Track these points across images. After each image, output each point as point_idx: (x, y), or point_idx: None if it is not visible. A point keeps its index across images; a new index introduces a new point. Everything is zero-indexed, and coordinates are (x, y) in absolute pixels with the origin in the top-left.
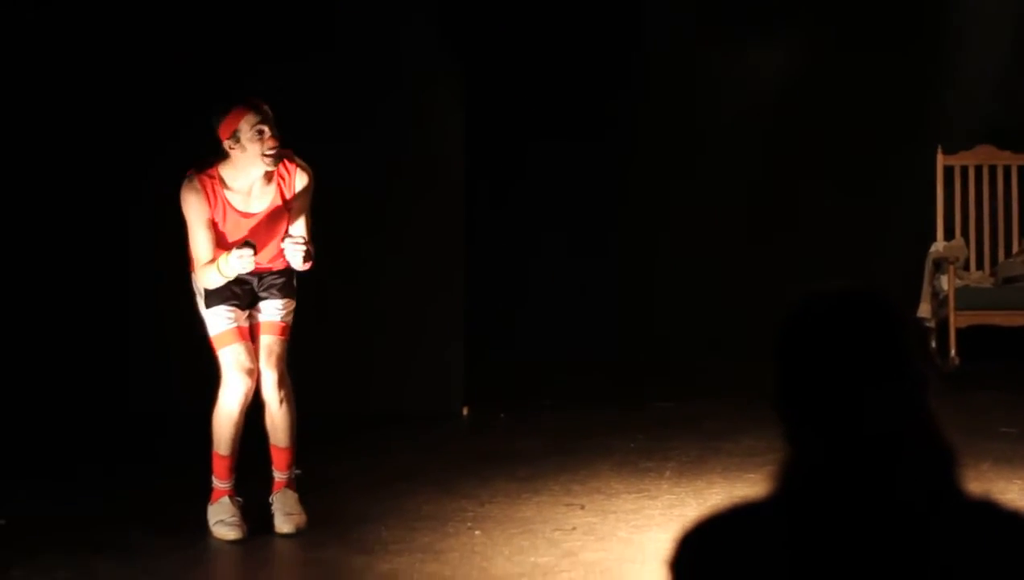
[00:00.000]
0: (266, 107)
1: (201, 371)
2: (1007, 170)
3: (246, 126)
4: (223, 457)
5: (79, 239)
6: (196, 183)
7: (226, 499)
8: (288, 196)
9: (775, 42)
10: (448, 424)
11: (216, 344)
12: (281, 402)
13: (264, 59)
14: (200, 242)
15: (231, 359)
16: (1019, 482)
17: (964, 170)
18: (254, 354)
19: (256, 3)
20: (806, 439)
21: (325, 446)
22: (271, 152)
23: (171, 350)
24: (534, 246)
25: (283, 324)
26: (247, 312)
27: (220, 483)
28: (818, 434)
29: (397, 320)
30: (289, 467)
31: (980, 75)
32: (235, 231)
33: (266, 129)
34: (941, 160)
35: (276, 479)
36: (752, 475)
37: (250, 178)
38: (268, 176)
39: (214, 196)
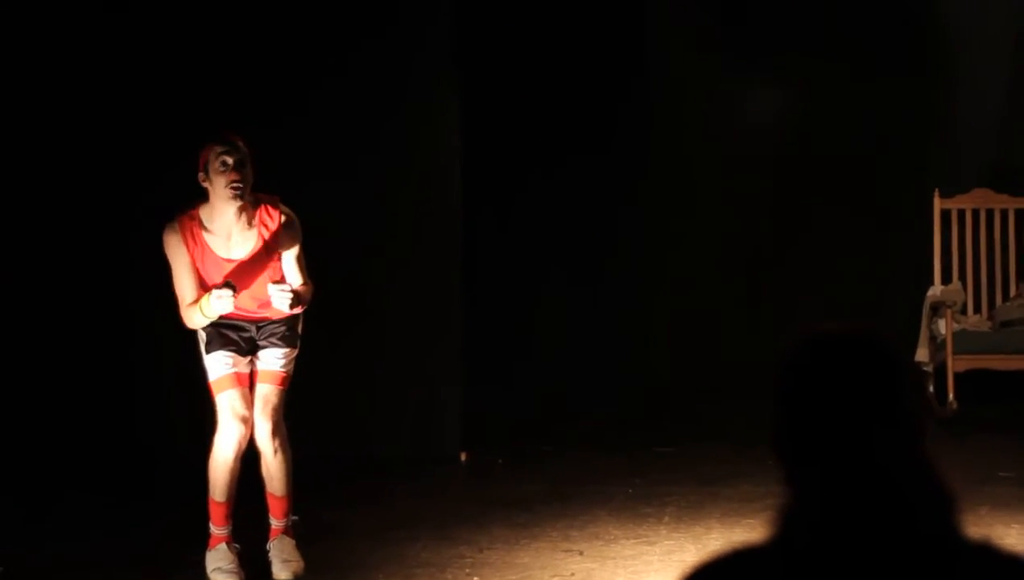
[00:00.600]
0: (240, 142)
1: (201, 408)
2: (1004, 214)
3: (212, 156)
4: (219, 503)
5: (82, 271)
6: (176, 225)
7: (223, 546)
8: (271, 242)
9: (773, 86)
10: (446, 469)
11: (214, 389)
12: (276, 451)
13: (262, 91)
14: (183, 283)
15: (226, 405)
16: (1017, 526)
17: (961, 214)
18: (250, 401)
19: (257, 37)
20: (805, 482)
21: (322, 491)
22: (235, 185)
23: (173, 386)
24: (532, 284)
25: (283, 373)
26: (247, 358)
27: (217, 529)
28: (817, 477)
29: (394, 364)
30: (286, 515)
31: (977, 118)
32: (216, 275)
33: (230, 160)
34: (938, 203)
35: (273, 526)
36: (750, 520)
37: (226, 219)
38: (248, 221)
39: (193, 239)
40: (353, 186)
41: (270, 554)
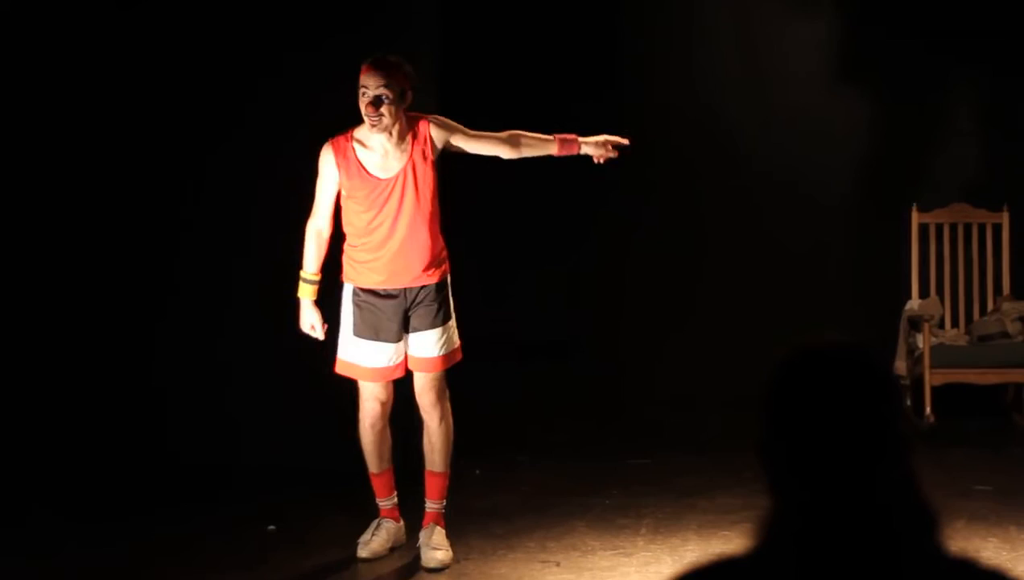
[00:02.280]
0: (386, 72)
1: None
2: (982, 228)
3: (360, 84)
4: (374, 475)
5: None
6: (330, 144)
7: (377, 521)
8: (422, 158)
9: (753, 95)
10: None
11: (352, 373)
12: (440, 421)
13: (237, 93)
14: (318, 198)
15: (366, 391)
16: (994, 540)
17: (939, 228)
18: (391, 387)
19: (242, 39)
20: (789, 493)
21: (297, 502)
22: (371, 118)
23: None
24: (505, 295)
25: (440, 358)
26: (398, 342)
27: (380, 501)
28: (803, 486)
29: None
30: (442, 496)
31: (955, 132)
32: (366, 193)
33: (368, 93)
34: (916, 217)
35: (428, 510)
36: (727, 532)
37: (379, 137)
38: (401, 139)
39: (345, 155)
40: None
41: (420, 541)
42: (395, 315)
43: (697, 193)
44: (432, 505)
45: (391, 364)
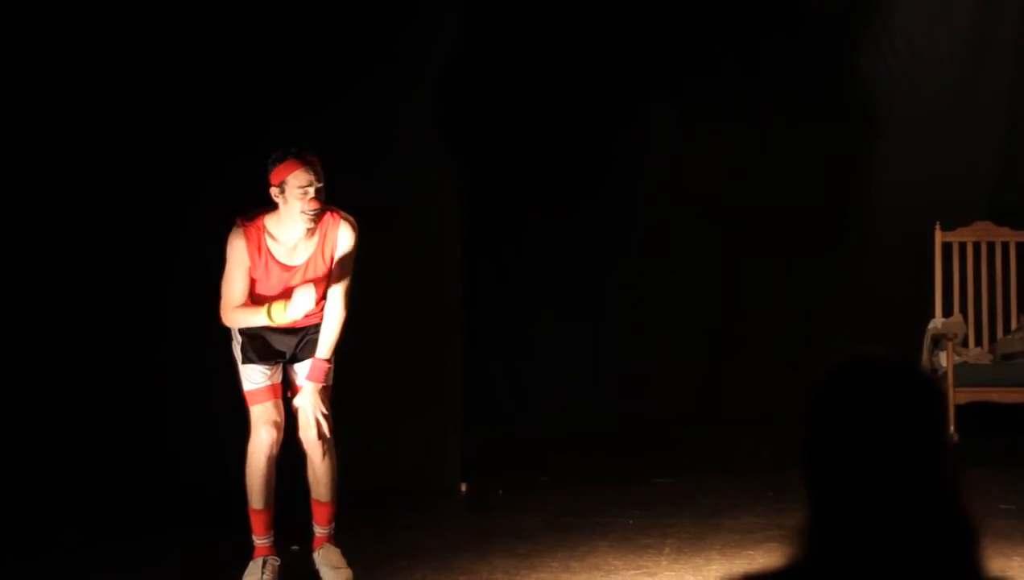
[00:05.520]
0: (318, 167)
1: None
2: (1005, 246)
3: (294, 181)
4: (257, 511)
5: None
6: (242, 231)
7: (260, 559)
8: (328, 249)
9: (775, 120)
10: (446, 500)
11: (248, 399)
12: (323, 455)
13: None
14: (235, 285)
15: (260, 414)
16: (1019, 559)
17: (962, 246)
18: (283, 409)
19: (266, 72)
20: (831, 504)
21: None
22: (311, 212)
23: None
24: (532, 317)
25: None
26: (281, 366)
27: (258, 539)
28: (845, 499)
29: (394, 395)
30: (330, 521)
31: (979, 151)
32: (276, 282)
33: (312, 190)
34: (939, 236)
35: (317, 534)
36: (751, 551)
37: (294, 231)
38: (314, 230)
39: (258, 246)
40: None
41: (317, 563)
42: (280, 341)
43: (722, 215)
44: (320, 530)
45: (279, 381)
